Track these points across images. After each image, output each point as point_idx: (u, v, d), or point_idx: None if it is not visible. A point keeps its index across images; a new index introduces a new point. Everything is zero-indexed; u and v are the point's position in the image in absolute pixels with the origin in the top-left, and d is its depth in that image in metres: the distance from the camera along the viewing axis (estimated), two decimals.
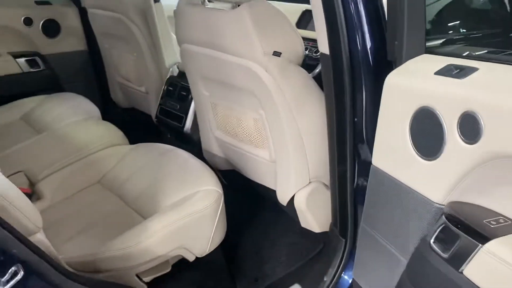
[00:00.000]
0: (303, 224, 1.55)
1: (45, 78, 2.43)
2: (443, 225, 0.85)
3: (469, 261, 0.77)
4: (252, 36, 1.26)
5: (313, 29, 1.33)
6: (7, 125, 2.06)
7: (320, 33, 1.16)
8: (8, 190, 0.92)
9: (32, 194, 1.58)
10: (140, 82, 2.27)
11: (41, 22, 2.41)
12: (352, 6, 1.08)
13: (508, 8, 1.40)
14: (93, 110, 2.14)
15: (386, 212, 1.08)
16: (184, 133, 2.04)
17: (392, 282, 1.06)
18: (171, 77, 2.14)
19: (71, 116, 2.03)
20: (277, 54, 1.27)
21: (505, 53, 1.06)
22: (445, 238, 0.84)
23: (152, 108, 2.24)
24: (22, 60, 2.35)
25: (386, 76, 1.01)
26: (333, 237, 1.43)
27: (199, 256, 1.38)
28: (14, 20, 2.35)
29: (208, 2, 1.62)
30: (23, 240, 0.84)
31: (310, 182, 1.44)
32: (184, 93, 2.03)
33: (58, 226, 1.40)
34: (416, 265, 0.95)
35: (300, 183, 1.43)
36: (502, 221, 0.77)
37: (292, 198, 1.47)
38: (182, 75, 2.03)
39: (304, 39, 1.40)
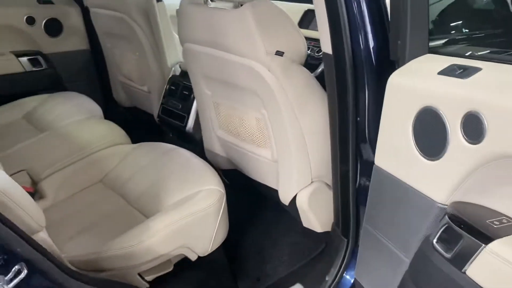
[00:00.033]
0: (305, 224, 1.55)
1: (47, 77, 2.43)
2: (446, 225, 0.85)
3: (472, 261, 0.76)
4: (254, 35, 1.26)
5: (315, 28, 1.33)
6: (10, 124, 2.06)
7: (323, 32, 1.16)
8: (11, 189, 0.93)
9: (35, 193, 1.58)
10: (142, 82, 2.28)
11: (44, 21, 2.42)
12: (355, 6, 1.08)
13: (511, 8, 1.39)
14: (95, 109, 2.14)
15: (388, 212, 1.08)
16: (186, 132, 2.04)
17: (395, 282, 1.06)
18: (173, 76, 2.14)
19: (73, 115, 2.03)
20: (279, 53, 1.27)
21: (509, 53, 1.06)
22: (448, 238, 0.84)
23: (154, 107, 2.24)
24: (24, 59, 2.35)
25: (389, 76, 1.01)
26: (335, 237, 1.43)
27: (201, 255, 1.38)
28: (17, 19, 2.36)
29: (210, 2, 1.62)
30: (26, 239, 0.85)
31: (312, 182, 1.44)
32: (186, 93, 2.03)
33: (61, 225, 1.41)
34: (418, 265, 0.95)
35: (302, 183, 1.43)
36: (506, 221, 0.77)
37: (294, 197, 1.46)
38: (184, 74, 2.04)
39: (307, 38, 1.40)
